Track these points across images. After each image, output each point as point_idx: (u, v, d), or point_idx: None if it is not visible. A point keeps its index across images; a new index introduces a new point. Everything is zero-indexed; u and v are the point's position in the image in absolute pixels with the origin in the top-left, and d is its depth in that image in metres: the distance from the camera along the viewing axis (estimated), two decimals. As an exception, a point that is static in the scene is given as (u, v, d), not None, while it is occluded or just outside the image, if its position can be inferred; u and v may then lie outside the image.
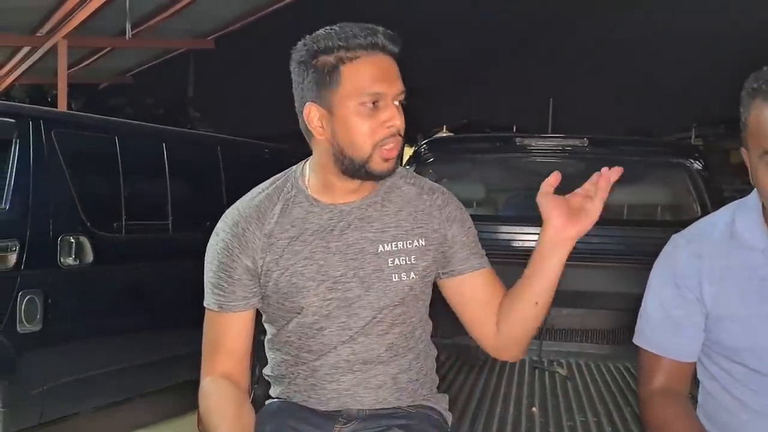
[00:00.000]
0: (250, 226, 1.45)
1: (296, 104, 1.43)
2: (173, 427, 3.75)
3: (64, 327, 3.22)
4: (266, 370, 1.61)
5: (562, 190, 4.13)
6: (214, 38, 10.06)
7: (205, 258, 1.50)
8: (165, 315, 3.82)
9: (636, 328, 1.49)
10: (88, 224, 3.37)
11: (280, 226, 1.45)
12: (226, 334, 1.47)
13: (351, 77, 1.34)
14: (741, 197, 1.45)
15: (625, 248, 3.29)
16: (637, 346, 1.49)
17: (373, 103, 1.35)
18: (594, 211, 1.34)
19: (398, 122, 1.36)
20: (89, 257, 3.31)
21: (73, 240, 3.24)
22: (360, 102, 1.34)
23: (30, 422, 3.05)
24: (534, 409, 2.54)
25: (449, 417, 1.60)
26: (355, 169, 1.39)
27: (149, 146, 4.01)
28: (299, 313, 1.46)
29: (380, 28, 1.37)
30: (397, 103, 1.37)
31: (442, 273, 1.52)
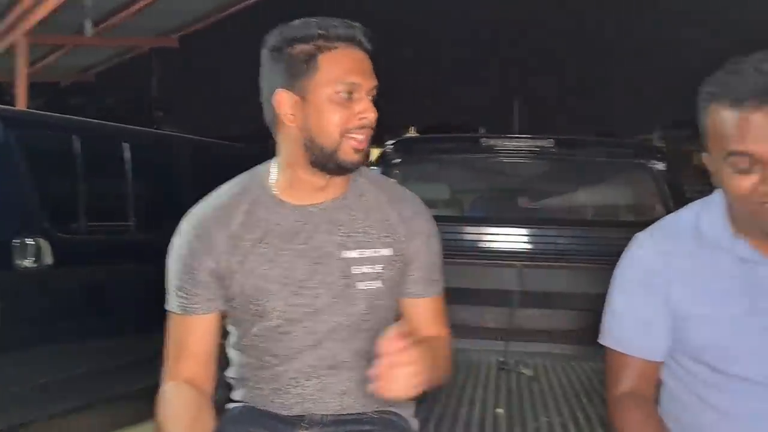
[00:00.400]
0: (214, 227, 1.43)
1: (264, 91, 1.41)
2: (134, 433, 3.67)
3: (21, 332, 3.14)
4: (229, 373, 1.58)
5: (529, 191, 4.17)
6: (180, 36, 9.92)
7: (167, 260, 1.47)
8: (127, 318, 3.75)
9: (602, 328, 1.48)
10: (47, 225, 3.30)
11: (245, 228, 1.43)
12: (190, 338, 1.44)
13: (328, 66, 1.35)
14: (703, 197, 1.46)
15: (589, 248, 3.32)
16: (602, 346, 1.49)
17: (348, 93, 1.36)
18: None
19: (371, 115, 1.38)
20: (48, 259, 3.24)
21: (30, 242, 3.16)
22: (335, 90, 1.35)
23: (-16, 430, 2.97)
24: (499, 410, 2.54)
25: (415, 423, 1.58)
26: (325, 159, 1.38)
27: (111, 146, 3.94)
28: (264, 317, 1.43)
29: (356, 24, 1.39)
30: (369, 97, 1.39)
31: None
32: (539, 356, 3.26)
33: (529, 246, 3.41)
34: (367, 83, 1.38)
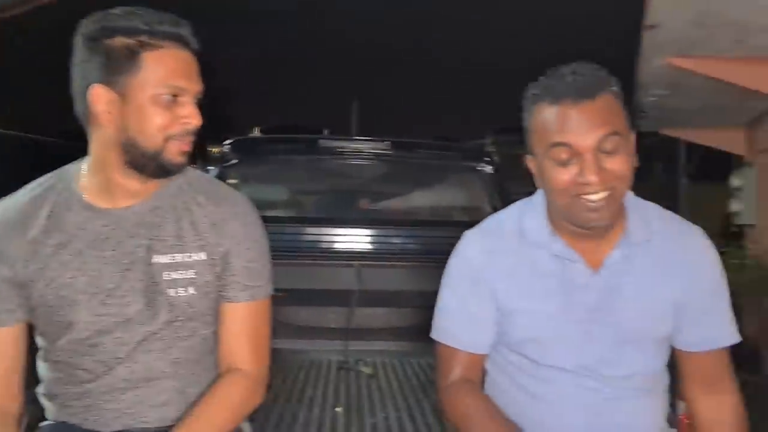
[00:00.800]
0: (10, 231, 1.33)
1: (76, 83, 1.30)
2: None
3: None
4: (39, 389, 1.47)
5: (363, 191, 4.22)
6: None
7: None
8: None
9: (433, 324, 1.54)
10: None
11: (46, 233, 1.33)
12: None
13: (153, 66, 1.27)
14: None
15: (424, 248, 3.44)
16: (435, 341, 1.55)
17: (173, 96, 1.29)
18: None
19: (195, 121, 1.32)
20: None
21: None
22: (159, 93, 1.28)
23: None
24: (338, 409, 2.57)
25: (248, 428, 1.55)
26: (146, 161, 1.31)
27: None
28: (70, 329, 1.34)
29: (184, 21, 1.32)
30: (195, 102, 1.33)
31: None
32: (377, 354, 3.34)
33: (366, 246, 3.48)
34: (194, 87, 1.32)
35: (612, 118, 1.31)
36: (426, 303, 3.34)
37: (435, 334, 1.53)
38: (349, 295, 3.21)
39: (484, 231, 1.53)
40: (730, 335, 1.47)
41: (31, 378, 1.48)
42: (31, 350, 1.44)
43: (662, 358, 1.48)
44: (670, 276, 1.43)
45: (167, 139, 1.30)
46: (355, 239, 3.46)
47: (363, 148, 3.57)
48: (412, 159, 3.67)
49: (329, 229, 3.44)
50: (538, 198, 1.49)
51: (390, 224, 3.68)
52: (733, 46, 3.08)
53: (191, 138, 1.34)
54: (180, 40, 1.30)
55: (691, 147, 8.22)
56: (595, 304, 1.42)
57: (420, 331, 3.34)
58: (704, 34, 2.91)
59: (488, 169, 3.60)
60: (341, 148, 3.55)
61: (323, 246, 3.41)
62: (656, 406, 1.50)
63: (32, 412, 1.53)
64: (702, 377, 1.49)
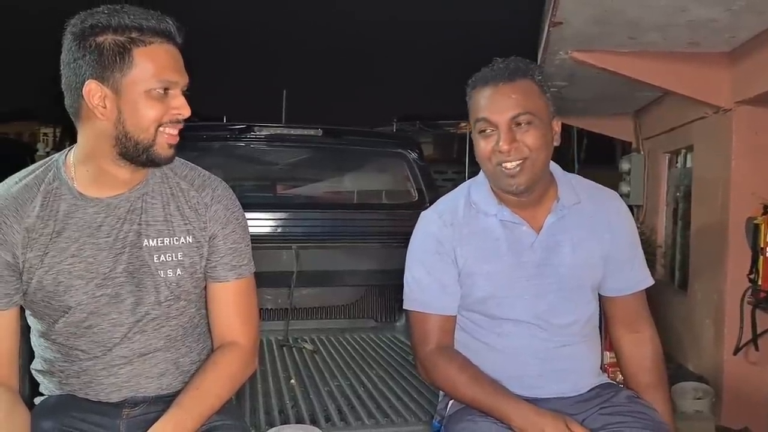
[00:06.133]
0: (7, 219, 1.37)
1: (68, 79, 1.35)
2: None
3: None
4: (35, 365, 1.53)
5: (298, 176, 4.28)
6: None
7: None
8: None
9: (405, 296, 1.71)
10: None
11: (42, 221, 1.39)
12: None
13: (145, 62, 1.33)
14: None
15: (355, 230, 3.57)
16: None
17: (164, 90, 1.36)
18: None
19: (186, 112, 1.39)
20: None
21: None
22: (152, 88, 1.34)
23: None
24: (292, 381, 2.70)
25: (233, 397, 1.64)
26: (138, 153, 1.37)
27: None
28: (68, 312, 1.41)
29: (168, 18, 1.37)
30: (183, 93, 1.40)
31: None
32: (315, 332, 3.47)
33: (300, 229, 3.56)
34: (183, 80, 1.38)
35: (527, 99, 1.56)
36: (358, 281, 3.49)
37: (408, 305, 1.70)
38: (286, 276, 3.29)
39: (441, 209, 1.72)
40: (646, 279, 1.75)
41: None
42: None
43: (594, 305, 1.73)
44: (598, 232, 1.68)
45: (158, 129, 1.36)
46: (292, 223, 3.54)
47: (296, 135, 3.64)
48: (342, 146, 3.79)
49: (268, 213, 3.52)
50: (481, 177, 1.72)
51: (326, 208, 3.81)
52: (627, 41, 3.35)
53: (180, 127, 1.41)
54: (167, 36, 1.36)
55: (579, 134, 8.72)
56: (540, 260, 1.64)
57: (352, 308, 3.50)
58: (603, 30, 3.17)
59: (413, 155, 3.79)
60: (275, 134, 3.61)
61: (252, 231, 3.46)
62: (592, 352, 1.74)
63: (26, 387, 1.59)
64: (625, 318, 1.75)
